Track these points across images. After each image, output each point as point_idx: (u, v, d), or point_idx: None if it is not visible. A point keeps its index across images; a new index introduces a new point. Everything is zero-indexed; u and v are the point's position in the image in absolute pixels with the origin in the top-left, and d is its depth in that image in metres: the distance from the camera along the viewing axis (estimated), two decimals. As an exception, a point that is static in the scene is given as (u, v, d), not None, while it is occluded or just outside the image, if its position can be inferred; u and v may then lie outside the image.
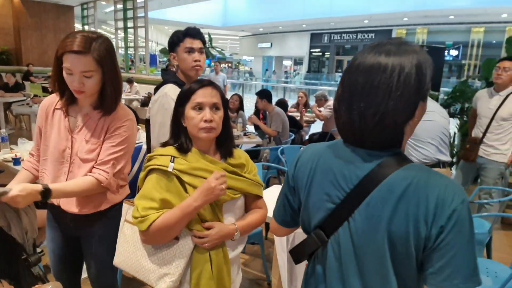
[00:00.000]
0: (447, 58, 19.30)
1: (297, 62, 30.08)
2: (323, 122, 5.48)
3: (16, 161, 2.68)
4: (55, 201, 1.46)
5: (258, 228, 2.60)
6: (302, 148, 1.07)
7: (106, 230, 1.49)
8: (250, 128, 5.43)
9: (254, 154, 4.75)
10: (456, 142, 4.89)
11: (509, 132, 3.14)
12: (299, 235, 1.00)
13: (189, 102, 1.24)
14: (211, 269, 1.22)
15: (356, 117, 0.83)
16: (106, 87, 1.39)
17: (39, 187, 1.27)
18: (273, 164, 3.87)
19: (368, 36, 23.14)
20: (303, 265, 1.04)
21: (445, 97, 4.94)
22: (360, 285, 0.85)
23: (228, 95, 6.58)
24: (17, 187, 1.21)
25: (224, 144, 1.32)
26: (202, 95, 1.24)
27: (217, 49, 16.45)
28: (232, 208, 1.30)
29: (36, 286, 1.20)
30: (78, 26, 14.86)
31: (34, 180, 1.54)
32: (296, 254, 1.00)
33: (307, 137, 5.82)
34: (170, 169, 1.20)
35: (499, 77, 3.10)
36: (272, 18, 22.87)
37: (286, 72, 29.19)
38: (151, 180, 1.21)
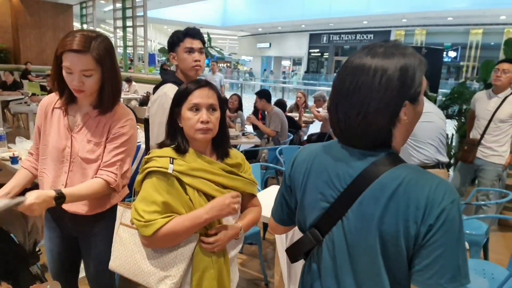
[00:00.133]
0: (445, 59, 19.35)
1: (296, 62, 30.11)
2: (321, 122, 5.49)
3: (14, 159, 2.67)
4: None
5: (256, 228, 2.60)
6: (299, 148, 1.08)
7: (104, 230, 1.49)
8: (249, 128, 5.43)
9: (253, 154, 4.75)
10: (454, 144, 4.91)
11: (507, 134, 3.15)
12: (298, 233, 1.01)
13: (185, 102, 1.24)
14: (213, 268, 1.22)
15: (342, 116, 0.86)
16: (104, 86, 1.39)
17: (53, 193, 1.26)
18: (271, 165, 3.87)
19: (367, 37, 23.17)
20: (302, 263, 1.05)
21: (443, 99, 4.95)
22: (353, 283, 0.86)
23: (226, 95, 6.58)
24: (32, 195, 1.21)
25: (220, 144, 1.32)
26: (199, 96, 1.23)
27: (216, 49, 16.48)
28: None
29: (35, 285, 1.20)
30: (76, 24, 14.84)
31: (33, 179, 1.54)
32: (292, 253, 1.01)
33: (305, 138, 5.83)
34: (170, 171, 1.19)
35: (498, 79, 3.11)
36: (271, 18, 22.89)
37: (284, 72, 29.20)
38: (150, 183, 1.19)
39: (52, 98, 1.49)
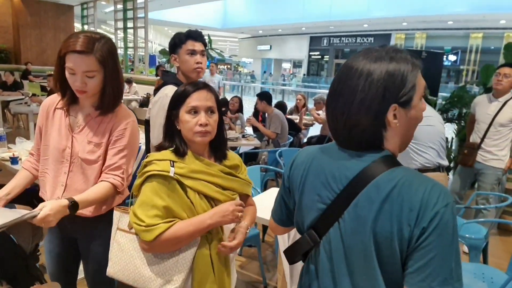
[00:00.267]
0: (445, 63, 19.38)
1: (296, 65, 30.16)
2: (321, 125, 5.49)
3: (14, 160, 2.67)
4: None
5: (255, 231, 2.60)
6: (298, 150, 1.09)
7: (104, 232, 1.49)
8: (249, 130, 5.44)
9: (252, 156, 4.75)
10: (453, 147, 4.91)
11: (507, 138, 3.16)
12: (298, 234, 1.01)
13: (183, 105, 1.23)
14: (213, 273, 1.22)
15: (330, 117, 0.91)
16: (106, 87, 1.39)
17: (66, 201, 1.26)
18: (271, 167, 3.87)
19: (367, 40, 23.22)
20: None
21: (443, 102, 4.96)
22: (350, 284, 0.86)
23: (226, 97, 6.59)
24: (46, 207, 1.21)
25: (218, 146, 1.32)
26: (197, 99, 1.22)
27: (217, 50, 16.50)
28: None
29: (34, 286, 1.20)
30: (77, 25, 14.86)
31: (34, 180, 1.53)
32: (290, 254, 1.02)
33: (305, 140, 5.84)
34: (171, 174, 1.17)
35: (499, 83, 3.12)
36: (272, 20, 22.93)
37: (283, 75, 29.25)
38: (151, 187, 1.17)
39: (54, 99, 1.50)
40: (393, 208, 0.79)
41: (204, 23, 23.41)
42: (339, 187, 0.87)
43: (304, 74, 27.45)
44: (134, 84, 8.97)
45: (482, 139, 3.23)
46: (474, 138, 3.33)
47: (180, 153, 1.23)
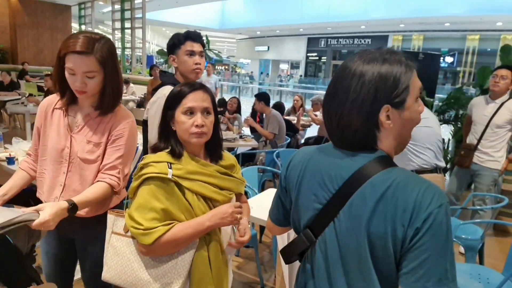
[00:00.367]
0: (442, 65, 19.47)
1: (294, 66, 30.20)
2: (318, 126, 5.50)
3: (10, 160, 2.66)
4: (52, 202, 1.45)
5: (253, 231, 2.60)
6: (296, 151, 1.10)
7: (102, 232, 1.48)
8: (246, 131, 5.44)
9: (250, 157, 4.75)
10: (450, 148, 4.93)
11: (503, 139, 3.18)
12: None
13: (179, 106, 1.22)
14: (211, 274, 1.22)
15: (326, 117, 0.92)
16: (106, 88, 1.39)
17: (65, 204, 1.25)
18: (268, 167, 3.88)
19: (364, 41, 23.29)
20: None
21: (440, 104, 4.98)
22: (345, 283, 0.87)
23: (224, 98, 6.59)
24: (45, 212, 1.19)
25: (214, 147, 1.31)
26: (193, 99, 1.21)
27: (214, 51, 16.48)
28: None
29: (31, 287, 1.19)
30: (75, 25, 14.83)
31: (31, 180, 1.53)
32: (286, 253, 1.02)
33: (302, 141, 5.84)
34: (169, 176, 1.16)
35: (496, 84, 3.14)
36: (270, 21, 22.96)
37: (280, 75, 29.28)
38: (148, 190, 1.15)
39: (53, 99, 1.50)
40: (388, 209, 0.79)
41: (202, 24, 23.41)
42: (334, 187, 0.88)
43: (300, 75, 27.50)
44: (131, 85, 8.96)
45: (479, 141, 3.25)
46: (471, 139, 3.34)
47: (176, 154, 1.21)
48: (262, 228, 3.20)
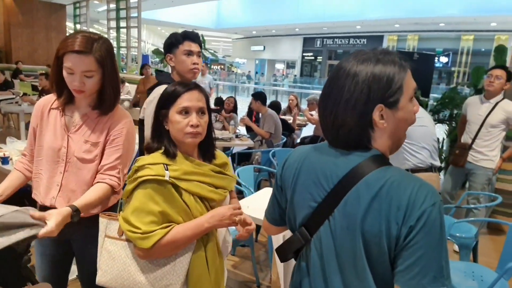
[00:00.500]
0: (437, 64, 19.60)
1: (290, 65, 30.22)
2: (314, 125, 5.52)
3: (5, 160, 2.64)
4: (48, 202, 1.45)
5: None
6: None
7: (98, 232, 1.49)
8: (242, 130, 5.44)
9: (246, 157, 4.75)
10: (444, 148, 4.96)
11: (498, 139, 3.20)
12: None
13: (174, 105, 1.20)
14: (209, 273, 1.22)
15: (321, 116, 0.93)
16: (105, 88, 1.40)
17: (68, 210, 1.25)
18: (264, 167, 3.88)
19: (360, 41, 23.36)
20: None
21: (435, 103, 5.01)
22: (340, 281, 0.88)
23: (214, 97, 6.59)
24: (52, 221, 1.17)
25: (207, 147, 1.31)
26: (188, 99, 1.20)
27: (210, 51, 16.47)
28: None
29: (26, 287, 1.18)
30: (69, 24, 14.75)
31: (26, 181, 1.52)
32: (282, 252, 1.02)
33: (298, 140, 5.86)
34: (167, 178, 1.14)
35: (491, 84, 3.16)
36: (266, 21, 22.96)
37: (274, 75, 29.29)
38: (145, 193, 1.13)
39: (49, 99, 1.49)
40: (382, 207, 0.80)
41: (197, 23, 23.36)
42: (329, 185, 0.89)
43: (295, 75, 27.54)
44: (126, 84, 8.91)
45: (473, 140, 3.27)
46: (465, 138, 3.37)
47: (170, 155, 1.20)
48: (258, 228, 3.20)
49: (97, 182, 1.41)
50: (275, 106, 5.73)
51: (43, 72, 7.41)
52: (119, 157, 1.44)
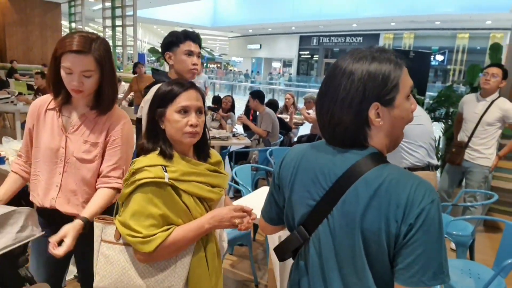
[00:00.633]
0: (433, 63, 19.65)
1: (286, 64, 30.23)
2: (311, 124, 5.52)
3: (1, 160, 2.62)
4: (48, 203, 1.44)
5: (247, 230, 2.60)
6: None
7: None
8: (239, 129, 5.44)
9: (243, 155, 4.75)
10: (441, 146, 4.98)
11: (494, 137, 3.21)
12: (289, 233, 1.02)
13: (172, 104, 1.17)
14: (209, 273, 1.22)
15: (318, 115, 0.94)
16: (104, 87, 1.40)
17: (80, 223, 1.28)
18: (261, 166, 3.88)
19: (356, 39, 23.40)
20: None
21: (431, 101, 5.02)
22: (339, 280, 0.88)
23: (210, 95, 6.57)
24: (69, 237, 1.23)
25: (202, 146, 1.29)
26: (187, 98, 1.18)
27: (207, 49, 16.43)
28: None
29: (24, 288, 1.18)
30: (65, 23, 14.65)
31: (24, 183, 1.52)
32: (280, 251, 1.02)
33: (295, 139, 5.86)
34: (166, 180, 1.12)
35: (487, 82, 3.17)
36: (262, 19, 22.95)
37: (270, 73, 29.28)
38: (144, 196, 1.11)
39: (45, 100, 1.48)
40: (381, 205, 0.80)
41: (193, 22, 23.31)
42: (328, 184, 0.89)
43: (290, 74, 27.54)
44: (122, 83, 8.87)
45: (470, 138, 3.28)
46: (462, 136, 3.38)
47: (166, 156, 1.17)
48: (255, 227, 3.20)
49: (102, 186, 1.42)
50: (273, 104, 5.72)
51: (39, 71, 7.36)
52: (122, 157, 1.45)
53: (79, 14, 12.38)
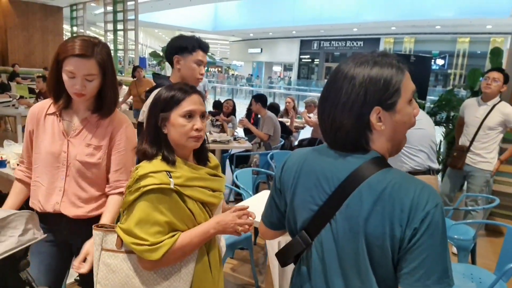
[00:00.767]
0: (433, 67, 19.67)
1: (287, 68, 30.28)
2: (312, 128, 5.52)
3: (2, 163, 2.63)
4: (51, 208, 1.44)
5: (248, 233, 2.59)
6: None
7: None
8: (240, 133, 5.44)
9: (244, 159, 4.75)
10: (442, 150, 4.98)
11: (495, 141, 3.21)
12: (289, 238, 1.01)
13: (176, 108, 1.16)
14: (212, 278, 1.22)
15: (320, 119, 0.94)
16: (106, 91, 1.41)
17: None
18: (262, 169, 3.88)
19: (357, 44, 23.46)
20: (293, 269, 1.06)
21: (432, 106, 5.03)
22: (342, 285, 0.87)
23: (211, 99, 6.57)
24: (91, 255, 1.28)
25: (202, 150, 1.29)
26: (192, 103, 1.18)
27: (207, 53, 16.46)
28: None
29: (24, 291, 1.18)
30: (66, 27, 14.73)
31: (30, 190, 1.51)
32: (282, 256, 1.02)
33: (296, 143, 5.86)
34: (172, 186, 1.11)
35: (488, 86, 3.17)
36: (263, 24, 23.02)
37: (270, 77, 29.33)
38: (149, 203, 1.09)
39: (43, 105, 1.48)
40: (385, 209, 0.80)
41: (195, 26, 23.40)
42: (331, 188, 0.88)
43: (290, 77, 27.57)
44: (123, 87, 8.90)
45: (471, 142, 3.28)
46: (463, 141, 3.38)
47: (169, 161, 1.15)
48: (256, 230, 3.20)
49: (114, 193, 1.44)
50: (274, 107, 5.73)
51: (40, 74, 7.39)
52: (128, 161, 1.47)
53: (81, 18, 12.46)
